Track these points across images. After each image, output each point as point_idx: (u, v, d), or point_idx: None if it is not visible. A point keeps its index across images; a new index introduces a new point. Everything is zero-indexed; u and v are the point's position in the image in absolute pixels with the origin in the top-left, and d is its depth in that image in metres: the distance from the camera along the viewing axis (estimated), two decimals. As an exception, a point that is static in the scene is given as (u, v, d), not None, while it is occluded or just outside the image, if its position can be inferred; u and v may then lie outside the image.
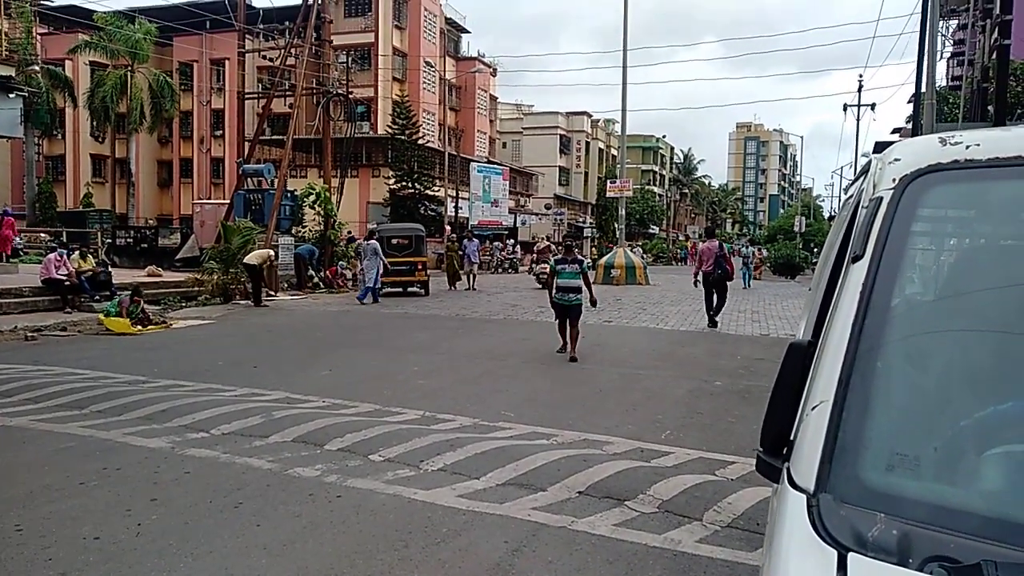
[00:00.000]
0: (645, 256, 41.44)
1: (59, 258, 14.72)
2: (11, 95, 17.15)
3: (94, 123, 43.91)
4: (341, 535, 4.03)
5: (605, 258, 28.62)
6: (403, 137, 39.69)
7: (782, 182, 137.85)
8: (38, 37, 36.00)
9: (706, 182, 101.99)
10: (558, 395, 7.84)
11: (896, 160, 1.63)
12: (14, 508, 4.29)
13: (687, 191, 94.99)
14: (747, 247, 26.87)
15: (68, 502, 4.40)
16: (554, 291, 10.09)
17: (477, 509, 4.37)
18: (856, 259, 1.53)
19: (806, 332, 2.54)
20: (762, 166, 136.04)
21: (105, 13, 37.27)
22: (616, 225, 29.25)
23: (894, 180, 1.59)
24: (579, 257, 10.30)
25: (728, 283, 13.96)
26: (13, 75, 17.51)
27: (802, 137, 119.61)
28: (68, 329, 12.15)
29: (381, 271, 17.69)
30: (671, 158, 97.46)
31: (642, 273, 26.72)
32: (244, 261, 16.68)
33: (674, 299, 20.15)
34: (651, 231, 75.52)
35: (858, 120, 44.15)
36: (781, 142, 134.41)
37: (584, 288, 10.00)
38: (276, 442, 5.67)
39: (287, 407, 6.75)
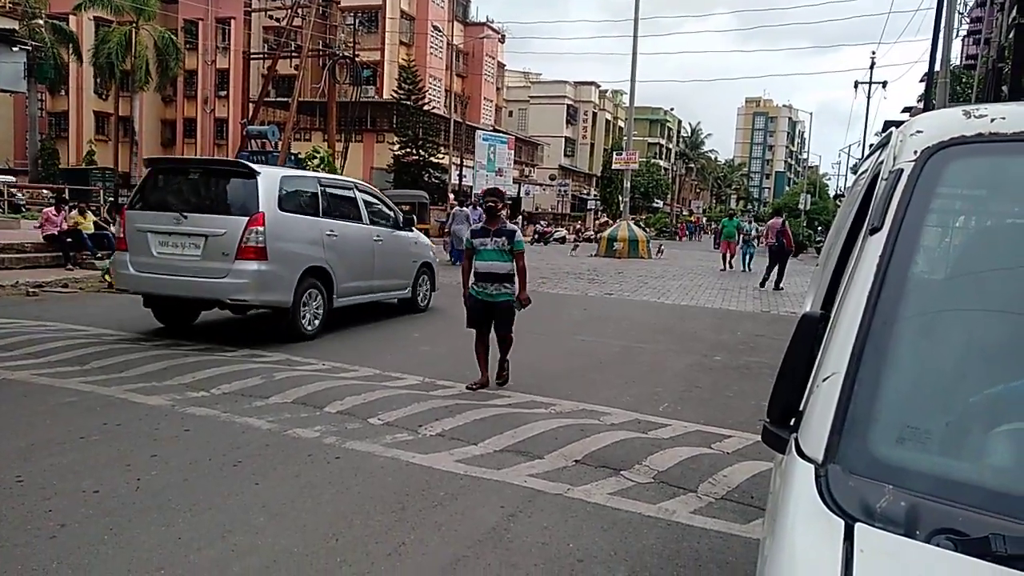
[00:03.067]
0: (648, 230, 41.22)
1: (54, 212, 14.69)
2: (14, 48, 16.96)
3: (98, 80, 43.62)
4: (339, 496, 4.06)
5: (609, 231, 28.57)
6: (409, 103, 39.43)
7: (789, 159, 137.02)
8: (42, -10, 35.52)
9: (713, 157, 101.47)
10: (558, 365, 7.86)
11: (918, 132, 1.60)
12: (15, 460, 4.31)
13: (693, 166, 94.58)
14: (749, 223, 25.26)
15: (69, 456, 4.43)
16: (470, 281, 6.47)
17: (474, 474, 4.40)
18: (874, 231, 1.51)
19: (814, 306, 2.52)
20: (769, 142, 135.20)
21: (111, -33, 36.71)
22: (620, 198, 29.12)
23: (915, 152, 1.56)
24: (508, 226, 6.38)
25: (788, 256, 17.43)
26: (16, 28, 17.29)
27: (811, 114, 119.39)
28: (70, 285, 12.15)
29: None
30: (678, 131, 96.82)
31: (645, 247, 26.69)
32: None
33: (676, 273, 20.15)
34: (655, 205, 75.24)
35: (868, 98, 43.76)
36: (790, 118, 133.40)
37: (515, 277, 6.38)
38: (276, 403, 5.69)
39: (288, 369, 6.77)
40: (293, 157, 23.19)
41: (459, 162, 40.28)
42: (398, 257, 10.63)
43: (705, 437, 5.37)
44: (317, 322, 8.66)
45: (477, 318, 6.49)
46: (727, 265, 21.88)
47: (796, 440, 1.42)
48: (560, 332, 10.01)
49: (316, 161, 22.62)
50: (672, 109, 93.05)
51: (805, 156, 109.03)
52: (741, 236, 23.33)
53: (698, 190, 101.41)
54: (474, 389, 6.39)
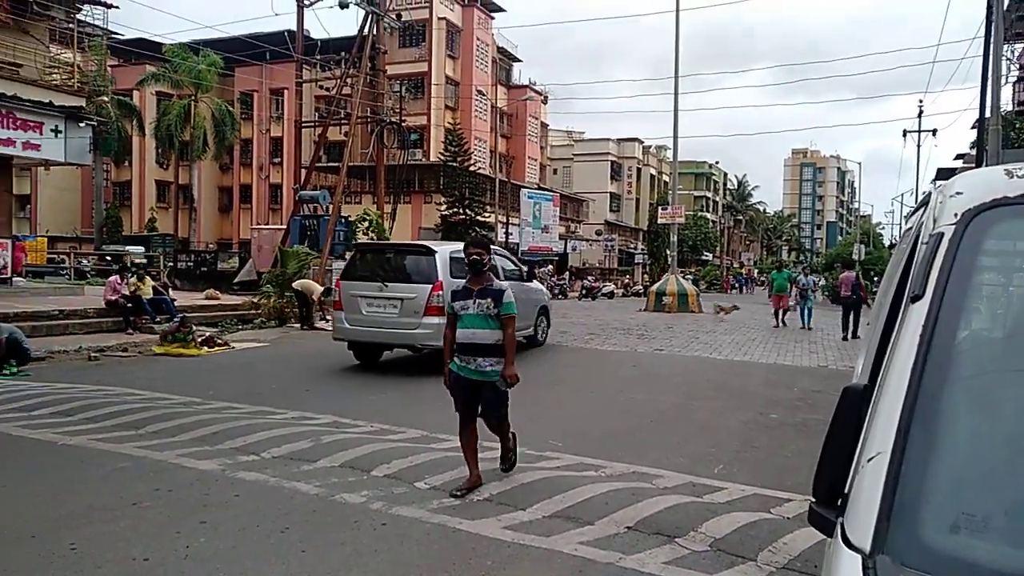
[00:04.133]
0: (699, 284, 40.78)
1: (119, 281, 15.25)
2: (81, 124, 17.94)
3: (159, 150, 45.70)
4: (385, 564, 3.99)
5: (657, 285, 28.34)
6: (455, 164, 40.25)
7: (840, 209, 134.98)
8: (109, 69, 37.67)
9: (761, 208, 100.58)
10: (608, 425, 7.71)
11: (958, 193, 1.52)
12: (70, 527, 4.37)
13: (741, 218, 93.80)
14: (805, 275, 22.31)
15: (121, 522, 4.47)
16: (452, 354, 5.36)
17: (522, 542, 4.28)
18: (915, 299, 1.42)
19: (863, 373, 2.41)
20: (819, 192, 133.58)
21: (172, 45, 38.82)
22: (668, 252, 28.97)
23: (956, 215, 1.48)
24: (495, 285, 5.28)
25: (862, 305, 17.56)
26: (83, 105, 18.30)
27: (860, 163, 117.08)
28: (129, 350, 12.51)
29: None
30: (724, 184, 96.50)
31: (695, 300, 26.35)
32: (292, 285, 17.03)
33: (727, 328, 19.76)
34: (704, 258, 74.60)
35: (918, 146, 43.03)
36: (838, 168, 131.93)
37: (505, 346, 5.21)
38: (324, 467, 5.68)
39: (335, 431, 6.78)
40: (343, 220, 23.77)
41: (505, 220, 40.72)
42: (524, 304, 12.19)
43: (763, 501, 5.15)
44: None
45: (461, 401, 5.30)
46: (780, 321, 20.16)
47: (842, 526, 1.32)
48: (609, 390, 9.85)
49: (365, 224, 23.10)
50: (717, 162, 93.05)
51: (856, 206, 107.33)
52: (796, 289, 21.39)
53: (748, 242, 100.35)
54: (462, 495, 5.03)
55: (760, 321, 20.99)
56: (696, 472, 5.84)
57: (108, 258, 29.45)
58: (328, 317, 18.55)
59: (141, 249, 31.84)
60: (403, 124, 27.38)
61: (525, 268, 14.52)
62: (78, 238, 44.04)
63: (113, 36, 33.18)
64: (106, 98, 32.49)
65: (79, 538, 4.19)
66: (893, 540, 1.20)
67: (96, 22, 21.06)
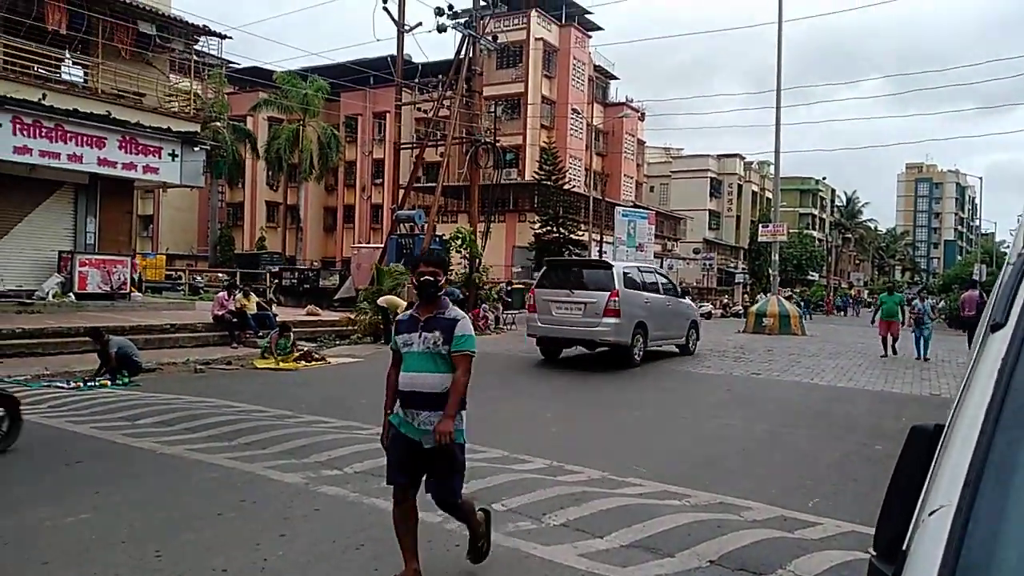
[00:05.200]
0: (803, 306, 39.02)
1: (226, 297, 16.03)
2: (195, 148, 19.06)
3: (269, 173, 48.08)
4: (455, 588, 3.92)
5: (757, 305, 27.35)
6: (549, 183, 40.34)
7: (959, 227, 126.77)
8: (225, 96, 40.03)
9: (872, 226, 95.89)
10: (696, 452, 7.41)
11: None
12: (157, 534, 4.53)
13: (851, 236, 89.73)
14: (921, 300, 19.03)
15: (205, 532, 4.60)
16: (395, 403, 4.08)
17: (597, 571, 4.12)
18: (996, 327, 1.21)
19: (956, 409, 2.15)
20: (936, 209, 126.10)
21: (282, 73, 40.87)
22: (769, 271, 27.94)
23: None
24: (449, 313, 3.98)
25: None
26: (198, 131, 19.43)
27: (981, 178, 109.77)
28: (232, 363, 13.08)
29: None
30: (832, 201, 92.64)
31: (797, 322, 25.24)
32: (378, 301, 17.46)
33: (832, 352, 18.78)
34: (810, 277, 71.62)
35: (1049, 158, 39.87)
36: (957, 183, 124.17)
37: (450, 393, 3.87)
38: (403, 484, 5.69)
39: (418, 449, 6.80)
40: (438, 239, 24.20)
41: (599, 238, 40.44)
42: (679, 316, 15.93)
43: (861, 539, 4.77)
44: (638, 357, 13.89)
45: (395, 466, 3.99)
46: (888, 350, 17.40)
47: None
48: (700, 415, 9.50)
49: (459, 242, 23.43)
50: (824, 178, 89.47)
51: (977, 223, 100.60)
52: (910, 315, 18.82)
53: (857, 261, 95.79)
54: None
55: (869, 346, 19.79)
56: (788, 505, 5.50)
57: (221, 275, 31.12)
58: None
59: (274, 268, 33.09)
60: (498, 144, 27.69)
61: (678, 286, 17.03)
62: (194, 256, 46.83)
63: (230, 65, 35.27)
64: (220, 124, 34.49)
65: (165, 546, 4.33)
66: None
67: (213, 52, 22.38)
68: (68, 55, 17.87)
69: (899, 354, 17.27)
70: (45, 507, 4.96)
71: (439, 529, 4.70)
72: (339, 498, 5.35)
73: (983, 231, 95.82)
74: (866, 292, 71.04)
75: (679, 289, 16.98)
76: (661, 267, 49.79)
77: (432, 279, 3.99)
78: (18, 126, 15.81)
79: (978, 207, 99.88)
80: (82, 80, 18.25)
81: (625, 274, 13.89)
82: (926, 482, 1.19)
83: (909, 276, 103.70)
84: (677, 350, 16.03)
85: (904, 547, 1.16)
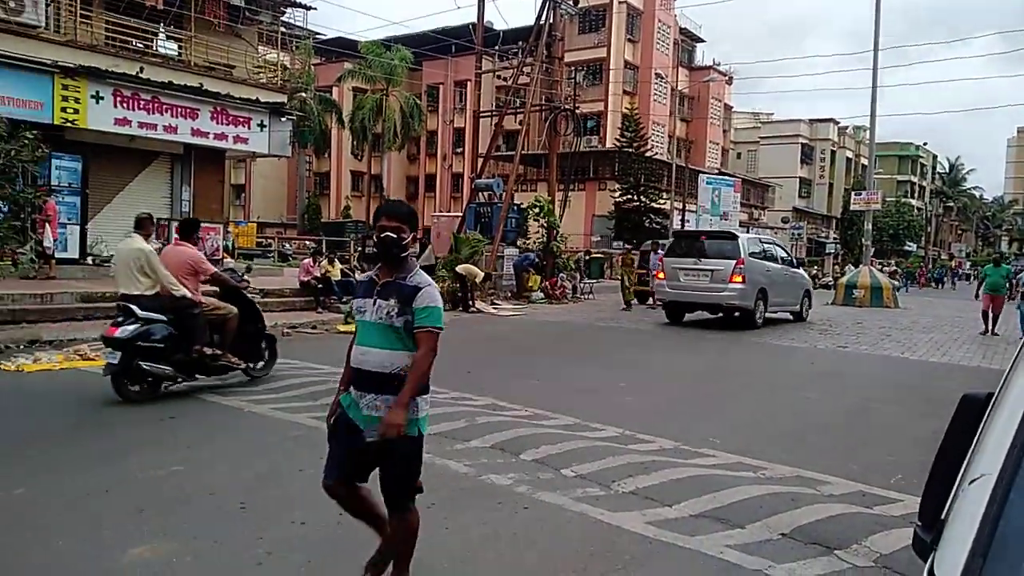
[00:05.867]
0: (897, 277, 37.27)
1: (311, 263, 16.55)
2: (283, 119, 19.61)
3: (354, 142, 49.03)
4: (523, 549, 3.98)
5: (847, 276, 26.29)
6: (631, 150, 39.64)
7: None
8: (311, 67, 40.92)
9: (977, 194, 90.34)
10: (774, 423, 7.24)
11: None
12: (243, 487, 4.77)
13: (953, 204, 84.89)
14: None
15: (287, 487, 4.81)
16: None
17: (664, 539, 4.11)
18: None
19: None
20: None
21: (367, 43, 41.42)
22: (863, 241, 26.76)
23: None
24: (413, 280, 3.26)
25: None
26: (285, 101, 19.97)
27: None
28: (317, 327, 13.54)
29: None
30: (933, 168, 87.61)
31: (890, 295, 24.16)
32: (456, 269, 17.67)
33: (927, 325, 17.92)
34: (907, 248, 68.21)
35: None
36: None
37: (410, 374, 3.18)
38: (476, 447, 5.79)
39: (491, 413, 6.90)
40: (516, 207, 24.22)
41: (682, 207, 39.59)
42: (794, 285, 17.25)
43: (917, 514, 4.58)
44: (760, 321, 15.28)
45: (336, 454, 3.38)
46: (990, 327, 16.09)
47: (933, 557, 1.08)
48: (780, 388, 9.26)
49: (536, 210, 23.38)
50: (925, 143, 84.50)
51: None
52: (1019, 289, 17.32)
53: (960, 231, 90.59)
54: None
55: (967, 319, 18.75)
56: (869, 481, 5.31)
57: (309, 243, 32.11)
58: (495, 302, 19.08)
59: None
60: (578, 111, 27.35)
61: (794, 258, 18.47)
62: (284, 224, 48.45)
63: (315, 36, 35.98)
64: (306, 94, 35.33)
65: (249, 499, 4.56)
66: None
67: (298, 23, 22.89)
68: (163, 29, 18.61)
69: (1000, 333, 15.96)
70: (140, 458, 5.30)
71: (507, 492, 4.77)
72: (413, 458, 5.49)
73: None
74: (968, 264, 67.19)
75: (794, 260, 18.21)
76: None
77: (393, 236, 3.23)
78: (118, 98, 16.64)
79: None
80: (176, 53, 19.00)
81: (749, 245, 15.45)
82: (970, 450, 1.14)
83: (1017, 247, 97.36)
84: (791, 317, 17.32)
85: (943, 516, 1.11)
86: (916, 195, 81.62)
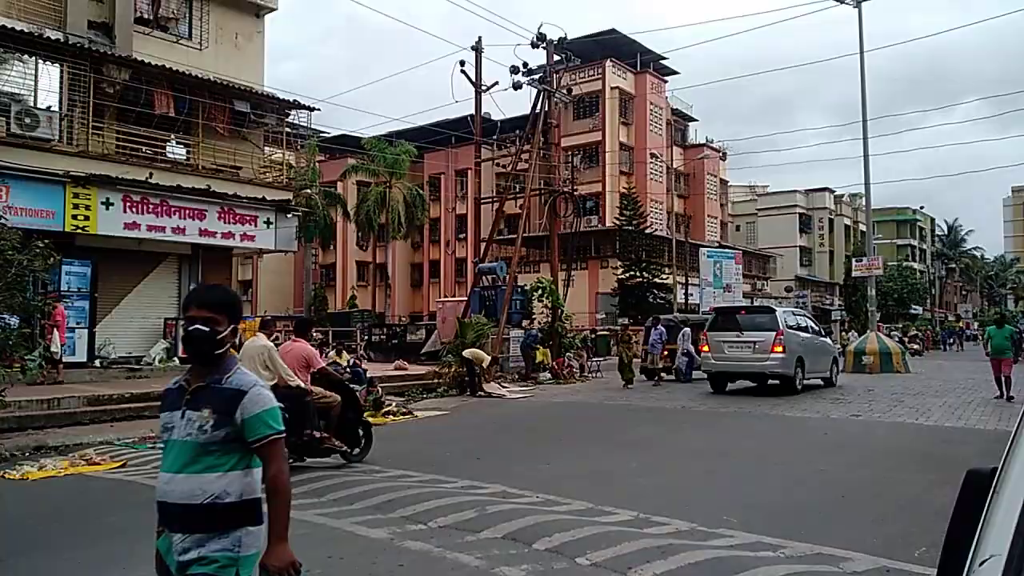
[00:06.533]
0: (907, 343, 36.98)
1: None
2: (288, 215, 20.04)
3: (359, 234, 49.80)
4: (537, 645, 3.86)
5: (855, 343, 26.15)
6: (630, 228, 40.18)
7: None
8: (316, 164, 42.04)
9: (978, 255, 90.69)
10: (791, 500, 7.09)
11: None
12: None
13: (955, 265, 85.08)
14: None
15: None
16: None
17: (684, 628, 3.98)
18: None
19: None
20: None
21: (370, 138, 42.70)
22: (867, 307, 26.74)
23: None
24: (235, 381, 2.63)
25: None
26: (291, 198, 20.45)
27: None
28: (324, 420, 13.44)
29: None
30: (932, 230, 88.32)
31: (899, 360, 23.97)
32: (462, 354, 17.69)
33: (939, 389, 17.71)
34: (913, 311, 68.01)
35: None
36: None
37: (251, 510, 2.60)
38: (487, 538, 5.68)
39: (501, 501, 6.79)
40: (519, 289, 24.39)
41: (684, 280, 39.80)
42: (824, 353, 18.53)
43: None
44: (800, 387, 16.33)
45: None
46: (1005, 392, 15.15)
47: None
48: (795, 461, 9.10)
49: (539, 291, 23.53)
50: (922, 207, 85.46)
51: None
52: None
53: (964, 292, 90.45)
54: None
55: (979, 381, 18.53)
56: (892, 555, 5.17)
57: (315, 334, 32.17)
58: (503, 384, 18.98)
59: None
60: (576, 192, 27.90)
61: (820, 327, 19.78)
62: (291, 316, 48.62)
63: (319, 134, 37.12)
64: (310, 191, 36.13)
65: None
66: None
67: (302, 122, 23.64)
68: (173, 136, 19.26)
69: (1016, 396, 15.00)
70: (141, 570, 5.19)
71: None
72: (423, 553, 5.37)
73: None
74: (976, 324, 66.80)
75: (822, 330, 19.58)
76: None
77: (205, 329, 2.61)
78: (128, 204, 17.07)
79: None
80: (184, 157, 19.59)
81: (785, 317, 16.88)
82: (978, 529, 1.14)
83: (1023, 305, 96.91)
84: (822, 383, 18.14)
85: None
86: (917, 258, 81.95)
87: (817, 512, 6.57)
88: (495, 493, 7.23)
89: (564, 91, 25.99)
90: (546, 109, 24.34)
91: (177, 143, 19.50)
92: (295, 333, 9.18)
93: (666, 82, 50.93)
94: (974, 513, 1.17)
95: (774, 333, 15.80)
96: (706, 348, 17.03)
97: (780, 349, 15.69)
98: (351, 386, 9.62)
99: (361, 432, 9.15)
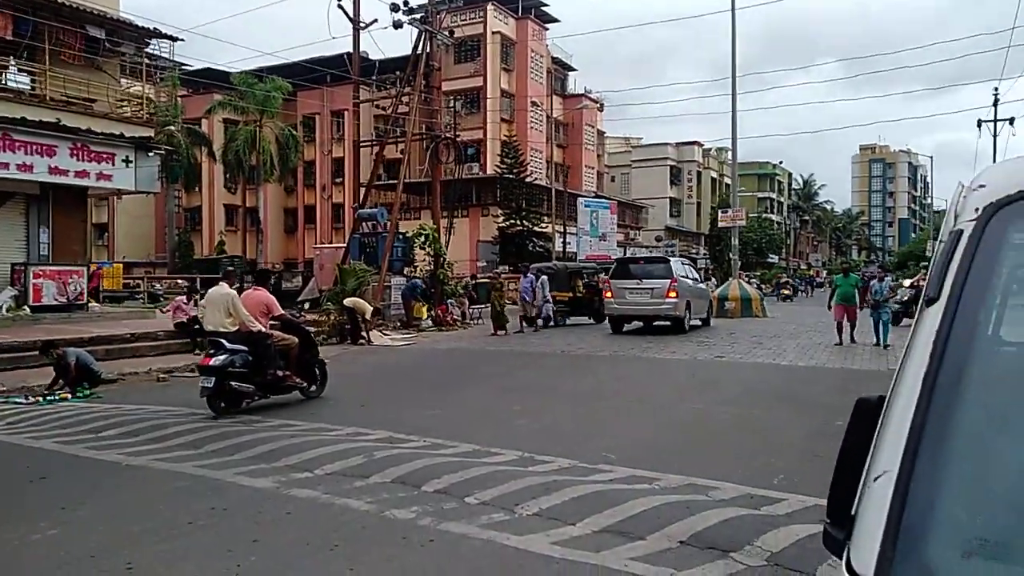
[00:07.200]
0: (763, 287, 39.73)
1: (185, 301, 15.80)
2: (150, 154, 18.68)
3: (227, 175, 47.26)
4: (431, 582, 3.96)
5: (719, 289, 27.75)
6: (511, 176, 40.38)
7: (912, 205, 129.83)
8: (179, 99, 39.25)
9: (828, 208, 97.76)
10: (663, 436, 7.54)
11: (981, 187, 1.38)
12: (128, 546, 4.48)
13: (808, 218, 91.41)
14: (879, 280, 17.41)
15: (176, 541, 4.57)
16: None
17: (571, 557, 4.19)
18: (930, 302, 1.30)
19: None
20: (889, 189, 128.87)
21: (239, 73, 40.21)
22: (730, 256, 28.38)
23: (977, 210, 1.34)
24: None
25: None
26: (152, 135, 19.05)
27: (932, 157, 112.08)
28: (195, 370, 12.88)
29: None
30: (789, 184, 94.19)
31: (759, 305, 25.69)
32: (344, 302, 17.45)
33: (792, 332, 19.19)
34: (770, 260, 72.80)
35: (995, 136, 40.99)
36: (909, 163, 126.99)
37: None
38: (375, 483, 5.70)
39: (388, 447, 6.81)
40: (401, 236, 24.08)
41: (563, 229, 40.61)
42: (704, 297, 21.21)
43: (825, 513, 4.91)
44: (687, 327, 18.64)
45: None
46: (844, 339, 15.85)
47: (848, 551, 1.22)
48: (666, 400, 9.65)
49: (422, 239, 23.35)
50: (781, 162, 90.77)
51: (929, 201, 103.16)
52: (868, 297, 16.61)
53: (815, 243, 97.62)
54: None
55: (828, 325, 20.16)
56: (755, 483, 5.63)
57: (181, 282, 30.59)
58: (385, 332, 18.85)
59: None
60: (458, 139, 27.63)
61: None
62: (152, 263, 45.91)
63: (182, 67, 34.58)
64: (174, 128, 33.80)
65: (136, 557, 4.29)
66: (898, 567, 1.10)
67: (164, 54, 21.90)
68: (13, 62, 17.38)
69: (857, 342, 15.77)
70: (10, 526, 4.87)
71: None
72: (311, 500, 5.33)
73: (935, 208, 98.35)
74: (824, 272, 72.45)
75: (701, 276, 22.58)
76: (624, 255, 50.46)
77: None
78: (-37, 137, 15.36)
79: (930, 185, 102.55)
80: (29, 87, 17.77)
81: (676, 266, 19.05)
82: (870, 450, 1.27)
83: (866, 255, 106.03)
84: (700, 323, 20.25)
85: (852, 512, 1.24)
86: (775, 211, 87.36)
87: (687, 447, 7.03)
88: (381, 439, 7.24)
89: (446, 33, 25.41)
90: (428, 51, 23.78)
91: (19, 70, 17.62)
92: (255, 283, 10.16)
93: (547, 29, 50.88)
94: (863, 437, 1.29)
95: (669, 280, 17.81)
96: (609, 294, 18.85)
97: (674, 295, 17.77)
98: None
99: (317, 371, 9.83)
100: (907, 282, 27.20)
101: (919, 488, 1.12)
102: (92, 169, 17.45)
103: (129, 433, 7.52)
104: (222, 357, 8.52)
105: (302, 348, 9.51)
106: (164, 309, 19.26)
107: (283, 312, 9.71)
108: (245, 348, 8.66)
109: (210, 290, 9.51)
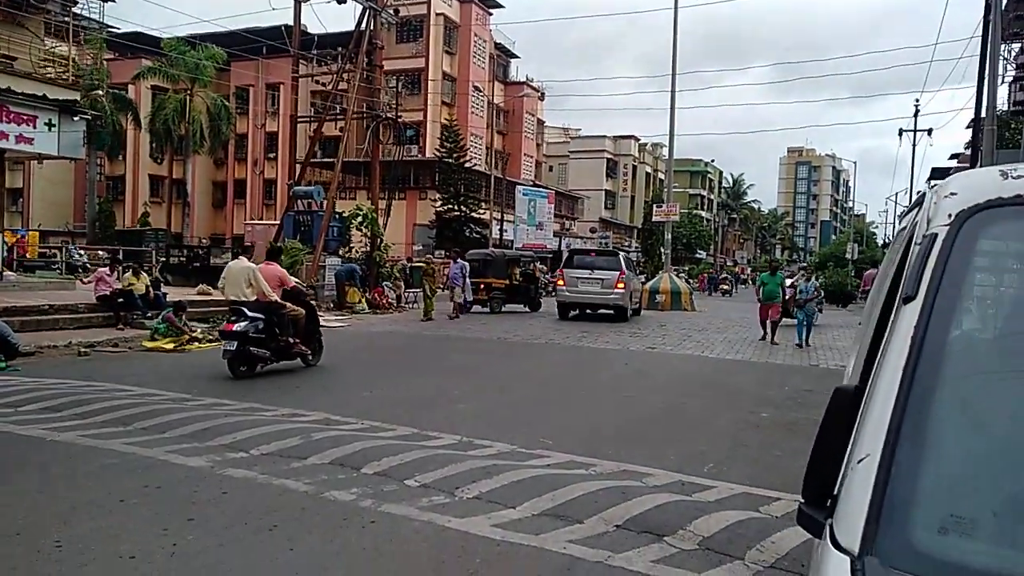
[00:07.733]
0: (691, 282, 40.79)
1: (108, 273, 15.20)
2: (75, 118, 17.80)
3: (154, 144, 45.47)
4: (373, 563, 3.98)
5: (650, 283, 28.36)
6: (450, 160, 40.19)
7: (834, 208, 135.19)
8: (105, 63, 37.46)
9: (756, 207, 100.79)
10: (598, 423, 7.71)
11: (952, 194, 1.53)
12: (56, 524, 4.34)
13: (736, 216, 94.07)
14: (805, 280, 17.69)
15: (108, 519, 4.45)
16: None
17: (511, 540, 4.28)
18: (908, 300, 1.43)
19: (854, 374, 2.41)
20: (814, 191, 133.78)
21: (170, 39, 38.65)
22: (662, 250, 29.02)
23: (950, 216, 1.49)
24: None
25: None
26: (78, 99, 18.17)
27: (855, 162, 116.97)
28: (120, 345, 12.45)
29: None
30: (720, 182, 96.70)
31: (688, 299, 26.39)
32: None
33: (719, 327, 19.80)
34: (698, 256, 74.71)
35: (914, 146, 43.17)
36: (833, 167, 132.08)
37: None
38: (313, 464, 5.66)
39: (326, 428, 6.76)
40: (338, 216, 23.70)
41: (500, 217, 40.68)
42: (638, 289, 23.23)
43: (752, 500, 5.16)
44: (630, 314, 20.44)
45: None
46: (768, 334, 16.20)
47: (831, 527, 1.33)
48: (600, 388, 9.85)
49: (359, 219, 23.05)
50: (712, 160, 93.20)
51: (850, 205, 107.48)
52: (793, 297, 16.92)
53: (742, 240, 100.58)
54: None
55: (753, 321, 20.88)
56: (686, 471, 5.84)
57: (101, 252, 29.34)
58: (319, 313, 18.55)
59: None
60: (399, 120, 27.31)
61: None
62: (70, 232, 43.85)
63: (110, 30, 33.02)
64: (101, 92, 32.28)
65: (65, 535, 4.16)
66: (882, 542, 1.21)
67: (93, 15, 20.91)
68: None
69: (780, 343, 15.67)
70: (-75, 501, 4.65)
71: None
72: (248, 481, 5.26)
73: (856, 212, 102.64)
74: (749, 269, 74.77)
75: (634, 265, 24.83)
76: (559, 246, 51.02)
77: None
78: None
79: (851, 189, 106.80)
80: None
81: (627, 260, 21.09)
82: (852, 436, 1.39)
83: (788, 254, 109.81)
84: (634, 311, 21.73)
85: (835, 492, 1.35)
86: (705, 207, 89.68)
87: (622, 434, 7.21)
88: (318, 420, 7.18)
89: (391, 11, 25.03)
90: (371, 28, 23.39)
91: (-68, 21, 16.54)
92: (267, 258, 10.76)
93: (491, 14, 50.72)
94: (841, 423, 1.41)
95: (618, 272, 19.43)
96: (561, 282, 20.17)
97: (622, 286, 19.32)
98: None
99: (316, 342, 10.74)
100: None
101: (900, 470, 1.24)
102: (12, 131, 16.53)
103: (51, 408, 7.23)
104: (244, 323, 9.35)
105: (307, 319, 10.45)
106: (85, 280, 18.46)
107: (295, 284, 10.78)
108: (262, 316, 9.53)
109: (230, 263, 10.84)
